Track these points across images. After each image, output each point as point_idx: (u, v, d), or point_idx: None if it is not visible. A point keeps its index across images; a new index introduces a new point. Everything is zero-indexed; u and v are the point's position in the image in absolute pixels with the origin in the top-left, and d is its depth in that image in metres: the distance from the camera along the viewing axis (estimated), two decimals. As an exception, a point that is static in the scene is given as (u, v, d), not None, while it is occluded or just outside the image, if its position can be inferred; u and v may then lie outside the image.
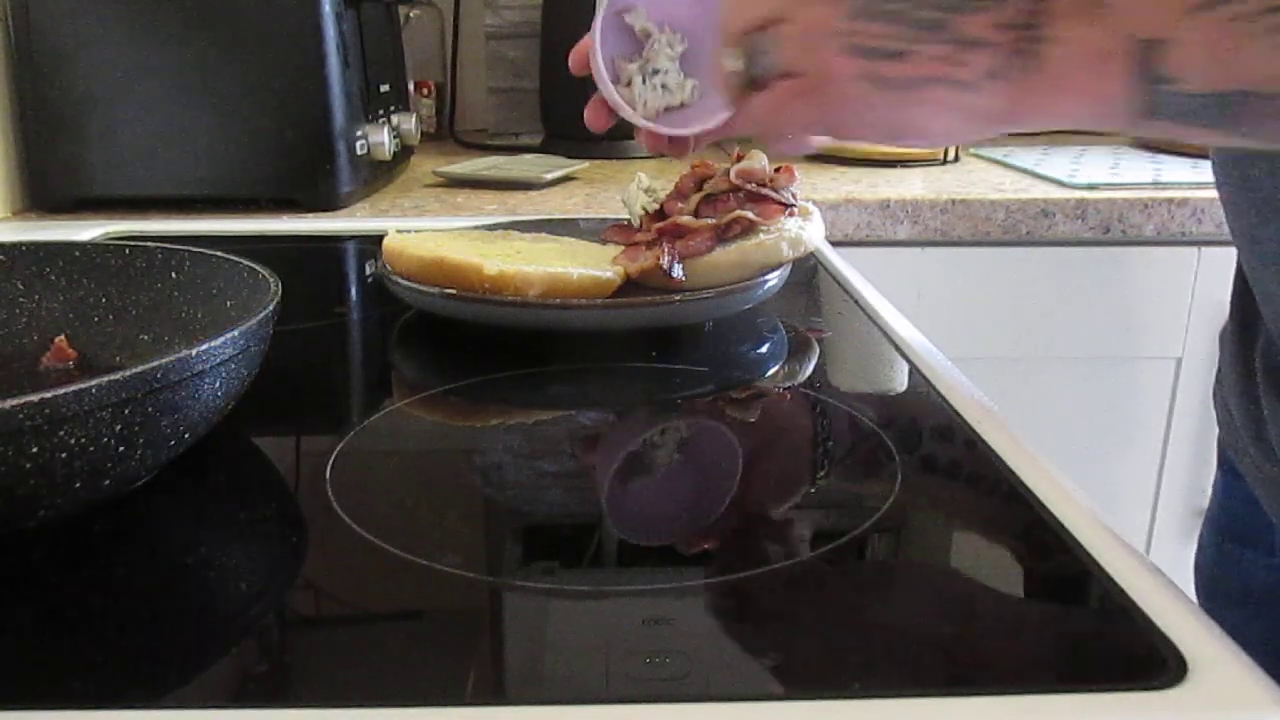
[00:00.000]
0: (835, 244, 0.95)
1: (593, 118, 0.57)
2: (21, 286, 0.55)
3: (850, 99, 0.42)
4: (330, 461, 0.44)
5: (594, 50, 0.55)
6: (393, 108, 1.15)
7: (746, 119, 0.47)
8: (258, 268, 0.50)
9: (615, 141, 1.32)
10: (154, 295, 0.54)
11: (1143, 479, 1.15)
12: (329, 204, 0.99)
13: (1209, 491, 1.16)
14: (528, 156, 1.25)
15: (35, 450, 0.34)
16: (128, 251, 0.55)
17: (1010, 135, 1.55)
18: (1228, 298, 0.58)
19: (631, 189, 0.66)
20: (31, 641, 0.32)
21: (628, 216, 0.66)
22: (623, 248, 0.63)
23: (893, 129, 0.43)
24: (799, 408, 0.53)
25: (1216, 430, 0.61)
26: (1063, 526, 0.38)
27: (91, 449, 0.35)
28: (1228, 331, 0.58)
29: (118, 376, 0.35)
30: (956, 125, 0.41)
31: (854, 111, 0.43)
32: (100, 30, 0.93)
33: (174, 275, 0.54)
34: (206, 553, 0.38)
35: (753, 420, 0.52)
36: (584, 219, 0.92)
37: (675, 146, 0.57)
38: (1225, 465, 0.63)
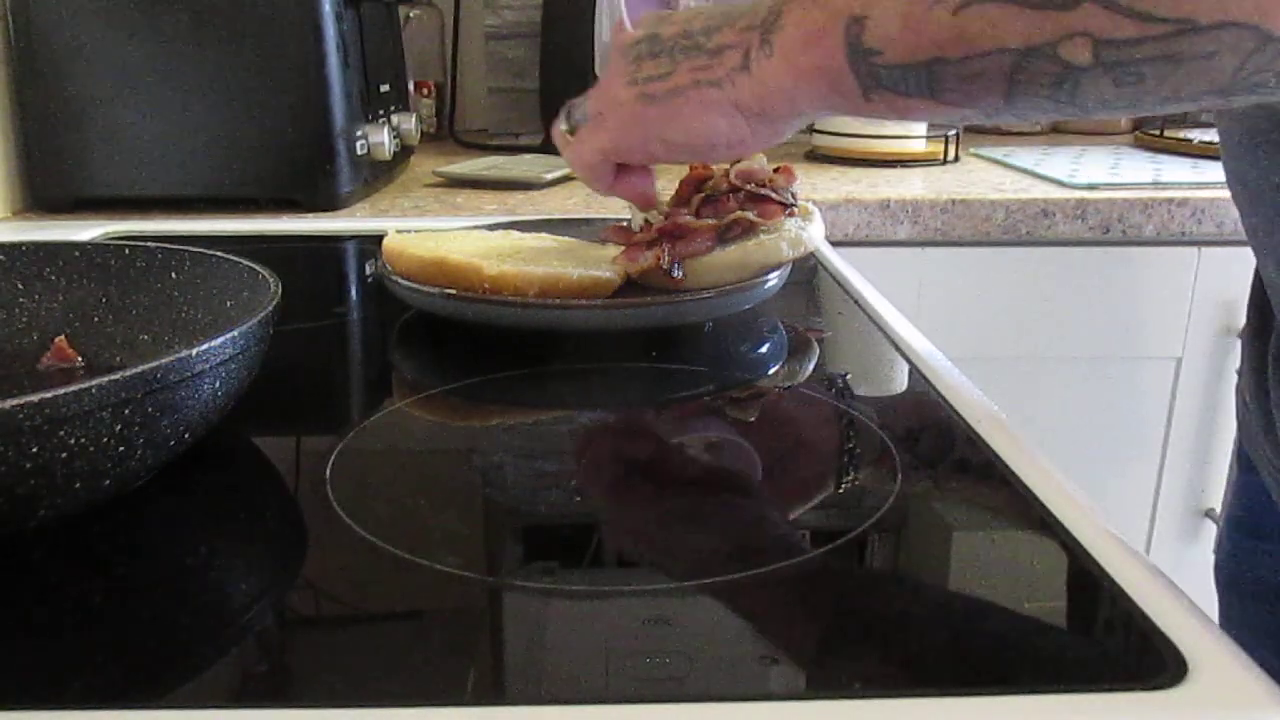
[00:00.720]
0: (835, 244, 0.95)
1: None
2: (21, 286, 0.55)
3: (629, 117, 0.50)
4: (330, 461, 0.44)
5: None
6: (393, 108, 1.15)
7: (567, 160, 0.56)
8: (258, 268, 0.50)
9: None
10: (154, 295, 0.54)
11: (1143, 479, 1.15)
12: (329, 204, 0.99)
13: (1208, 491, 1.16)
14: (528, 156, 1.25)
15: (35, 450, 0.34)
16: (128, 251, 0.55)
17: (1008, 134, 1.55)
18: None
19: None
20: (31, 641, 0.32)
21: (628, 217, 0.66)
22: (623, 248, 0.63)
23: (671, 135, 0.49)
24: (819, 414, 0.53)
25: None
26: (1063, 526, 0.38)
27: (91, 449, 0.35)
28: (1246, 329, 0.61)
29: (118, 376, 0.35)
30: (723, 122, 0.47)
31: (635, 128, 0.50)
32: (100, 30, 0.93)
33: (174, 275, 0.54)
34: (206, 553, 0.38)
35: (770, 428, 0.52)
36: (584, 219, 0.92)
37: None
38: (1244, 462, 0.65)
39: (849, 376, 0.58)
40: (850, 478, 0.46)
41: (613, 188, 0.56)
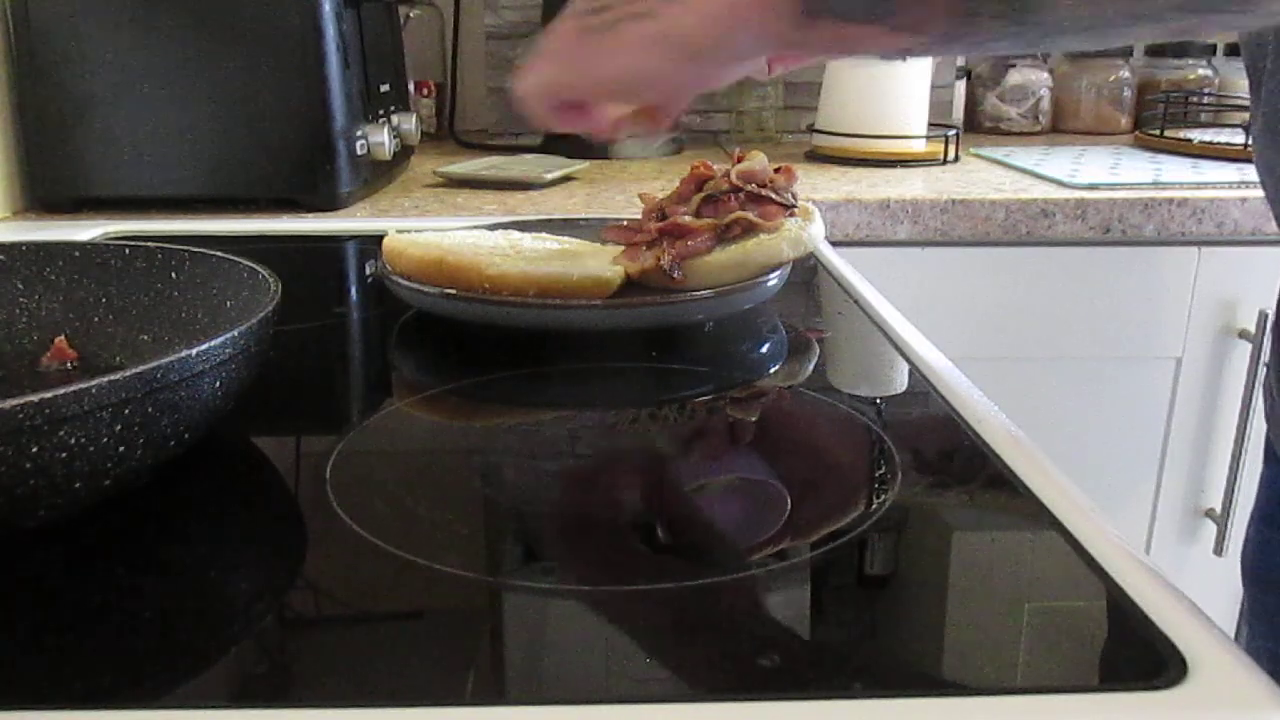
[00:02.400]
0: (835, 244, 0.95)
1: None
2: (21, 286, 0.55)
3: (565, 53, 0.47)
4: (330, 461, 0.44)
5: None
6: (393, 108, 1.15)
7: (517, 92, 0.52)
8: (258, 268, 0.50)
9: (615, 141, 1.33)
10: (154, 295, 0.54)
11: (1143, 479, 1.15)
12: (329, 204, 0.99)
13: (1208, 491, 1.16)
14: (528, 156, 1.25)
15: (35, 450, 0.34)
16: (128, 251, 0.55)
17: (1008, 134, 1.55)
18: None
19: None
20: (31, 641, 0.32)
21: (629, 217, 0.66)
22: (623, 248, 0.63)
23: (606, 72, 0.46)
24: (830, 423, 0.53)
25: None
26: (1063, 526, 0.38)
27: (91, 449, 0.35)
28: (1276, 324, 0.61)
29: (118, 376, 0.35)
30: (652, 62, 0.44)
31: (570, 63, 0.48)
32: (100, 30, 0.93)
33: (174, 275, 0.54)
34: (206, 553, 0.38)
35: (785, 448, 0.51)
36: (584, 219, 0.92)
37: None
38: (1270, 457, 0.65)
39: (849, 377, 0.58)
40: (849, 478, 0.46)
41: (560, 122, 0.53)
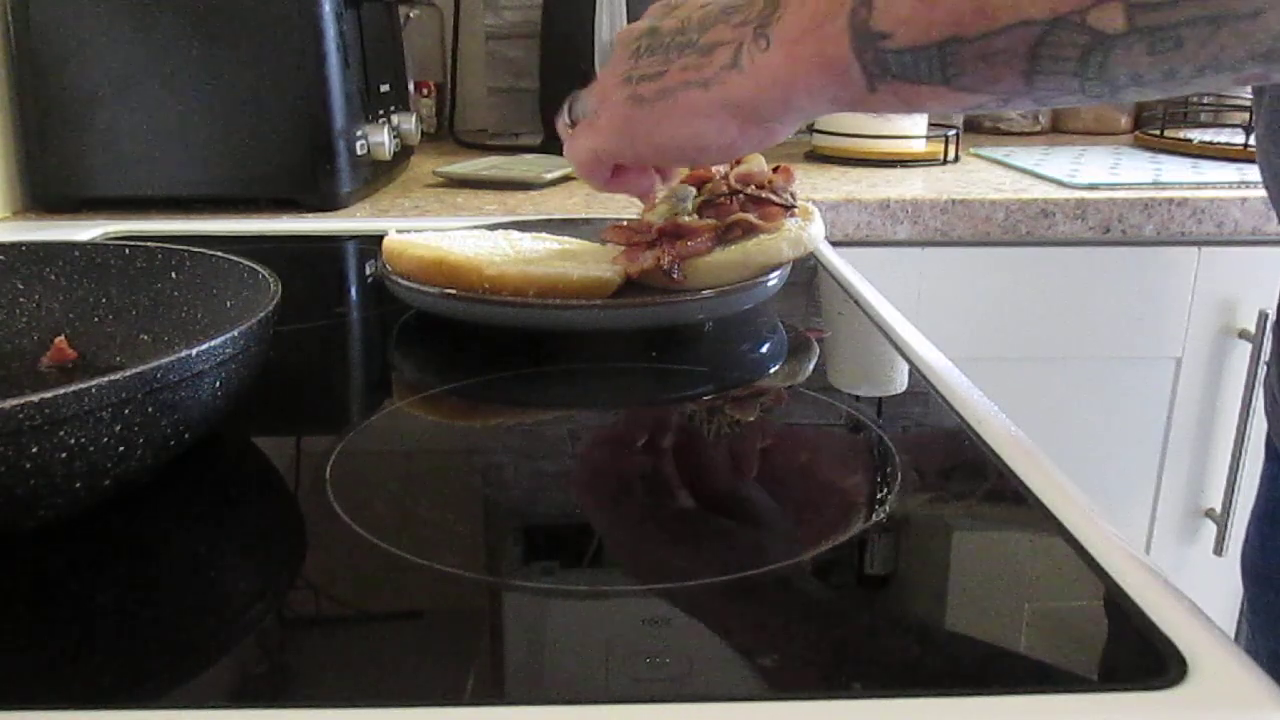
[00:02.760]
0: (835, 244, 0.95)
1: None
2: (21, 286, 0.55)
3: (620, 120, 0.48)
4: (330, 461, 0.44)
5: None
6: (393, 108, 1.15)
7: (567, 157, 0.54)
8: (258, 268, 0.50)
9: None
10: (154, 295, 0.54)
11: (1143, 479, 1.15)
12: (329, 204, 0.99)
13: (1208, 491, 1.16)
14: (528, 156, 1.25)
15: (35, 450, 0.34)
16: (128, 251, 0.55)
17: (1008, 134, 1.55)
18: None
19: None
20: (31, 641, 0.32)
21: (629, 217, 0.66)
22: (623, 248, 0.63)
23: (658, 140, 0.47)
24: (849, 432, 0.53)
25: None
26: (1063, 526, 0.38)
27: (91, 449, 0.35)
28: (1274, 323, 0.62)
29: (118, 376, 0.35)
30: (711, 125, 0.45)
31: (624, 130, 0.48)
32: (100, 30, 0.93)
33: (174, 275, 0.54)
34: (206, 553, 0.38)
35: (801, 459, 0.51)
36: (584, 219, 0.92)
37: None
38: (1271, 455, 0.66)
39: (849, 377, 0.58)
40: (849, 478, 0.46)
41: (609, 185, 0.54)
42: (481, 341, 0.61)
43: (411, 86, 1.38)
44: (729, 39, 0.43)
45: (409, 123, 1.15)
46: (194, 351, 0.38)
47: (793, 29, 0.40)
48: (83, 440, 0.35)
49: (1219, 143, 1.28)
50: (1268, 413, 0.64)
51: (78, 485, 0.36)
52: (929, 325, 0.65)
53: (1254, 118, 0.59)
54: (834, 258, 0.81)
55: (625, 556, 0.40)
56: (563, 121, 0.56)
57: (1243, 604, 0.68)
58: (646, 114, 0.47)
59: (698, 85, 0.44)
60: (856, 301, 0.69)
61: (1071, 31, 0.33)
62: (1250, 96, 0.59)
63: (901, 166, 1.23)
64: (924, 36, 0.36)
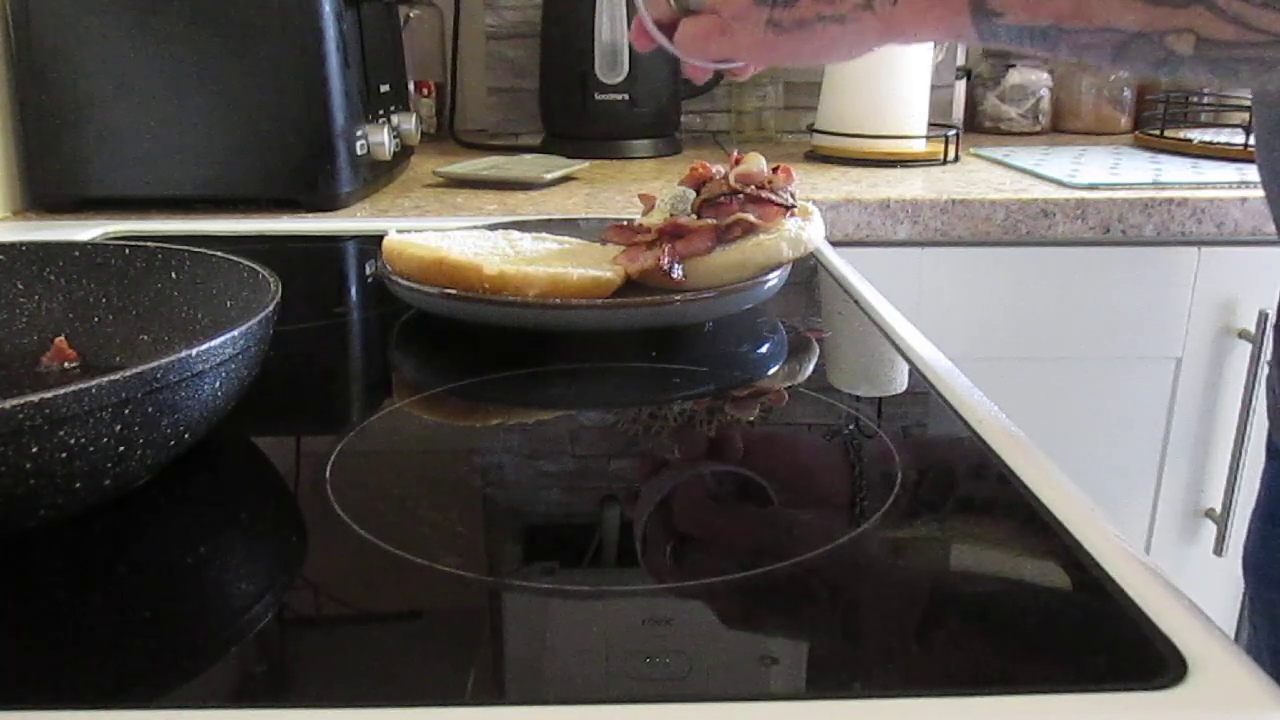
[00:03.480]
0: (835, 244, 0.95)
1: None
2: (21, 286, 0.55)
3: (756, 39, 0.53)
4: (330, 461, 0.44)
5: None
6: (393, 108, 1.15)
7: (678, 39, 0.57)
8: (258, 268, 0.50)
9: (615, 141, 1.33)
10: (154, 295, 0.54)
11: (1143, 479, 1.15)
12: (329, 204, 0.99)
13: (1208, 491, 1.16)
14: (528, 156, 1.25)
15: (35, 450, 0.34)
16: (128, 251, 0.55)
17: (1008, 134, 1.55)
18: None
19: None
20: (31, 641, 0.32)
21: (629, 217, 0.66)
22: (623, 248, 0.63)
23: (797, 59, 0.54)
24: (848, 432, 0.53)
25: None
26: (1063, 526, 0.38)
27: (91, 449, 0.35)
28: (1275, 322, 0.65)
29: (118, 376, 0.35)
30: (844, 49, 0.52)
31: (761, 50, 0.54)
32: (100, 30, 0.93)
33: (174, 275, 0.54)
34: (206, 553, 0.38)
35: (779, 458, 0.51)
36: (584, 219, 0.92)
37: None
38: (1273, 454, 0.66)
39: (849, 377, 0.58)
40: (849, 479, 0.46)
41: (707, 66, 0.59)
42: (481, 341, 0.61)
43: (411, 86, 1.38)
44: None
45: (409, 123, 1.15)
46: (194, 351, 0.38)
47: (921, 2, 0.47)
48: (83, 440, 0.35)
49: (1219, 143, 1.28)
50: (1270, 412, 0.64)
51: (78, 485, 0.36)
52: (929, 325, 0.65)
53: (1254, 118, 0.59)
54: (834, 258, 0.81)
55: (628, 552, 0.40)
56: (672, 2, 0.57)
57: (1243, 603, 0.68)
58: (786, 40, 0.52)
59: (834, 20, 0.50)
60: (856, 301, 0.69)
61: (1151, 46, 0.41)
62: (1250, 97, 0.61)
63: (901, 166, 1.23)
64: (1031, 20, 0.44)
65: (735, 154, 0.65)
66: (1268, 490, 0.67)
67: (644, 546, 0.40)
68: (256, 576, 0.37)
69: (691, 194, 0.63)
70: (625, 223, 0.66)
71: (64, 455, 0.34)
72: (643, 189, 0.98)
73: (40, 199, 0.99)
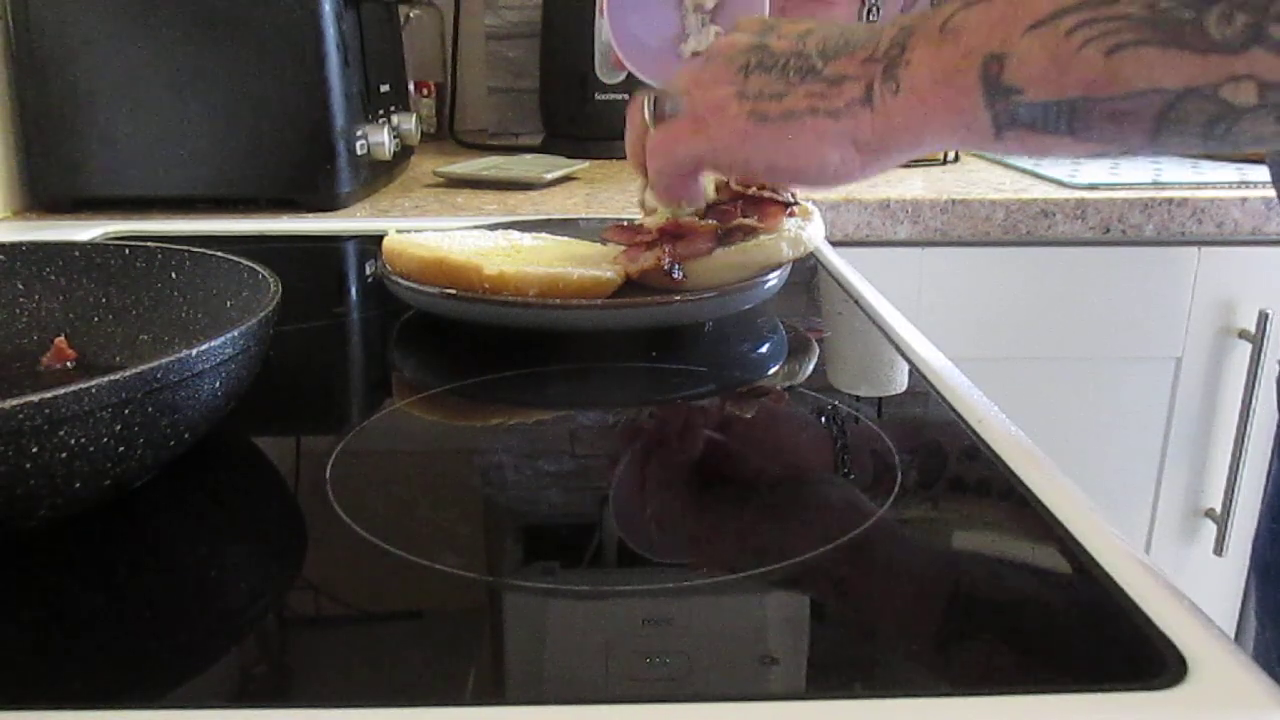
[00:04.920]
0: (835, 244, 0.96)
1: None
2: (21, 286, 0.55)
3: (737, 132, 0.47)
4: (330, 461, 0.44)
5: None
6: (393, 108, 1.15)
7: (650, 149, 0.52)
8: (258, 268, 0.50)
9: (615, 141, 1.33)
10: (154, 295, 0.54)
11: (1143, 479, 1.15)
12: (329, 204, 0.99)
13: (1208, 491, 1.16)
14: (528, 156, 1.25)
15: (35, 450, 0.34)
16: (128, 251, 0.55)
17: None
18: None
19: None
20: (31, 641, 0.32)
21: (629, 217, 0.66)
22: (623, 248, 0.63)
23: (778, 160, 0.47)
24: (848, 432, 0.53)
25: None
26: (1063, 526, 0.38)
27: (91, 449, 0.35)
28: None
29: (118, 376, 0.35)
30: (836, 154, 0.45)
31: (741, 143, 0.47)
32: (100, 30, 0.93)
33: (174, 275, 0.54)
34: (206, 553, 0.38)
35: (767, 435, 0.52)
36: (584, 219, 0.92)
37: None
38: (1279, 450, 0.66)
39: (849, 377, 0.58)
40: (849, 478, 0.46)
41: (679, 190, 0.54)
42: (481, 341, 0.61)
43: (411, 86, 1.38)
44: (856, 74, 0.44)
45: (409, 123, 1.15)
46: (194, 351, 0.38)
47: (924, 78, 0.41)
48: (83, 440, 0.35)
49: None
50: (1279, 408, 0.64)
51: (78, 485, 0.36)
52: (929, 325, 0.65)
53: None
54: (834, 258, 0.81)
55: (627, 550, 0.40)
56: (641, 117, 0.53)
57: (1243, 603, 0.68)
58: (769, 132, 0.46)
59: (826, 114, 0.45)
60: (856, 301, 0.69)
61: (1202, 101, 0.35)
62: None
63: (901, 166, 1.23)
64: (1055, 94, 0.37)
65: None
66: (1276, 487, 0.67)
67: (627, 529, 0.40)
68: (256, 576, 0.37)
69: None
70: (625, 223, 0.66)
71: (64, 455, 0.34)
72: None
73: (40, 199, 0.99)
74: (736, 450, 0.49)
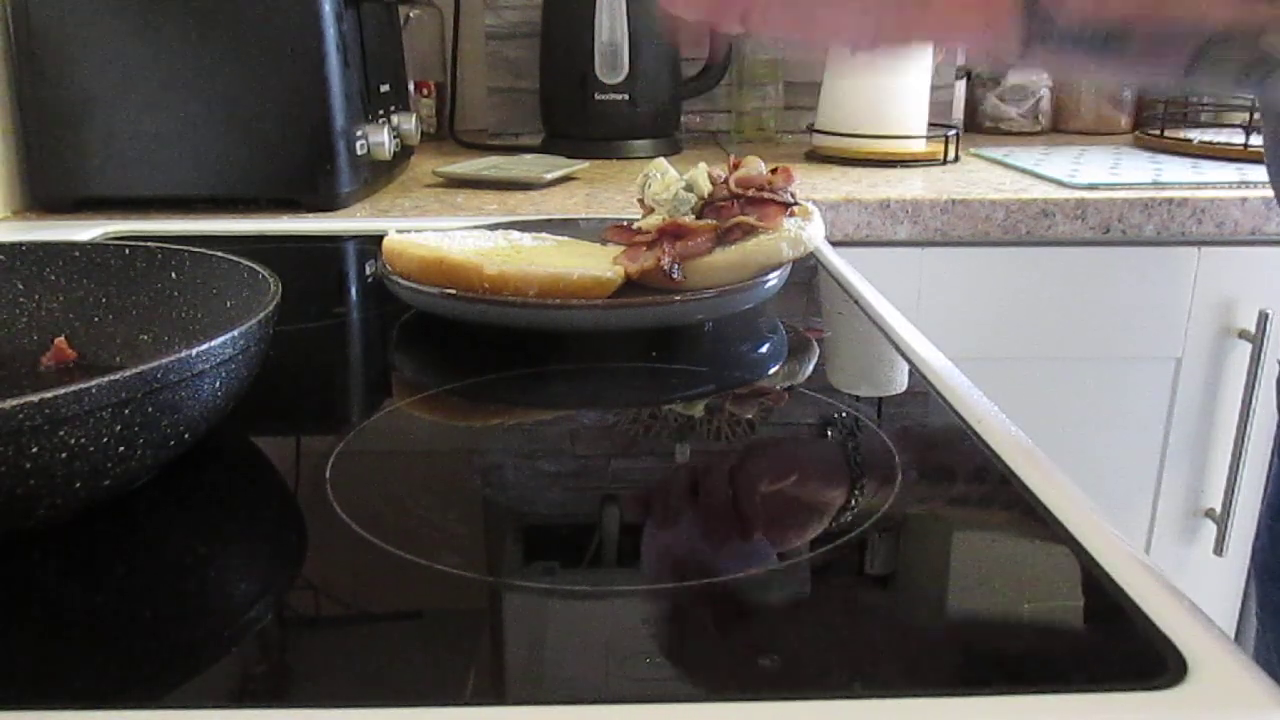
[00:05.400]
0: (835, 244, 0.96)
1: None
2: (21, 286, 0.55)
3: (789, 24, 0.46)
4: (330, 461, 0.44)
5: None
6: (393, 108, 1.15)
7: None
8: (258, 268, 0.50)
9: (615, 141, 1.33)
10: (154, 295, 0.54)
11: (1143, 479, 1.15)
12: (329, 204, 0.99)
13: (1208, 491, 1.16)
14: (528, 156, 1.25)
15: (35, 450, 0.34)
16: (128, 251, 0.55)
17: (1008, 134, 1.55)
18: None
19: (662, 179, 0.65)
20: (31, 641, 0.32)
21: (629, 217, 0.66)
22: (623, 248, 0.63)
23: (826, 30, 0.46)
24: (848, 432, 0.53)
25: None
26: (1063, 526, 0.38)
27: (91, 449, 0.35)
28: None
29: (118, 376, 0.35)
30: (878, 32, 0.44)
31: (793, 30, 0.47)
32: (100, 30, 0.93)
33: (174, 275, 0.54)
34: (206, 553, 0.38)
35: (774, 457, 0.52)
36: (584, 219, 0.92)
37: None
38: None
39: (849, 377, 0.58)
40: (849, 479, 0.46)
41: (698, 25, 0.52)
42: (481, 341, 0.61)
43: (411, 86, 1.38)
44: None
45: (409, 123, 1.15)
46: (194, 351, 0.38)
47: None
48: (83, 440, 0.35)
49: (1219, 143, 1.28)
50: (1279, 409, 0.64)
51: (78, 485, 0.36)
52: (929, 325, 0.65)
53: (1265, 120, 0.59)
54: (834, 258, 0.81)
55: (628, 554, 0.40)
56: None
57: (1243, 603, 0.68)
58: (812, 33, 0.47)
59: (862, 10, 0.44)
60: (856, 301, 0.69)
61: (1240, 48, 0.34)
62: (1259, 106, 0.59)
63: (901, 166, 1.23)
64: (1095, 15, 0.37)
65: (734, 158, 0.65)
66: (1276, 487, 0.67)
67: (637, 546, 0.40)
68: (256, 576, 0.37)
69: (691, 196, 0.63)
70: (625, 223, 0.66)
71: (64, 455, 0.34)
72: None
73: (40, 199, 0.99)
74: (736, 455, 0.49)
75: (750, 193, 0.62)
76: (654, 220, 0.63)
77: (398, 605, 0.35)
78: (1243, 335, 1.08)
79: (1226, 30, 0.34)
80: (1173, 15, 0.35)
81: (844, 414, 0.52)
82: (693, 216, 0.62)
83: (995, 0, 0.39)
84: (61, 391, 0.33)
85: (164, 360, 0.36)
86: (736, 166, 0.64)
